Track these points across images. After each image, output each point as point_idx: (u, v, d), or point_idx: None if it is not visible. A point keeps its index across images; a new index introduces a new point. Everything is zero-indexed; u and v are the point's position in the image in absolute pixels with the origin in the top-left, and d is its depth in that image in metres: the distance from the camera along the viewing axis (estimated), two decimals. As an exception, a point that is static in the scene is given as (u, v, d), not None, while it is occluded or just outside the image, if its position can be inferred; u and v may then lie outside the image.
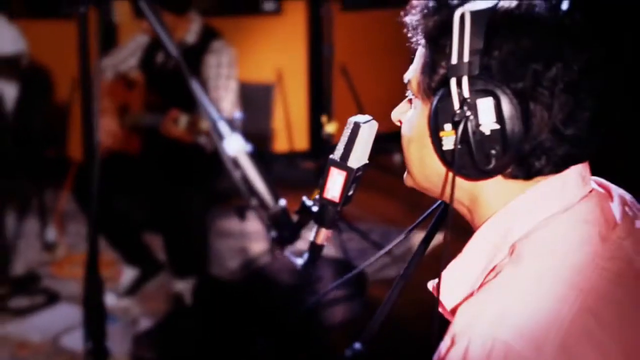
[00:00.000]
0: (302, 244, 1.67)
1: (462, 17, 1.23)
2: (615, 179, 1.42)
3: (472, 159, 1.24)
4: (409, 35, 1.39)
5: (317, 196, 1.55)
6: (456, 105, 1.24)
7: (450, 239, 1.39)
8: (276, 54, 6.98)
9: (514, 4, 1.27)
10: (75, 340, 3.85)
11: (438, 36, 1.30)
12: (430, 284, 1.38)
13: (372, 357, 1.85)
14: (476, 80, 1.23)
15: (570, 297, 1.15)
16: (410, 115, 1.38)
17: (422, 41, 1.35)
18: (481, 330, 1.14)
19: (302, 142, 7.04)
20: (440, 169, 1.32)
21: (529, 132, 1.22)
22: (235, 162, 1.74)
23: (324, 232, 1.59)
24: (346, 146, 1.50)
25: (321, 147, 6.05)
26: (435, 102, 1.28)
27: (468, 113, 1.23)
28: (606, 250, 1.24)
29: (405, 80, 1.40)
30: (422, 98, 1.34)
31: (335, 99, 6.96)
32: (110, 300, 4.50)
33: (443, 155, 1.29)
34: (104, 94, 4.70)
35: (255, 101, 5.03)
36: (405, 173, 1.44)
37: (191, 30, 4.60)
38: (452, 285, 1.32)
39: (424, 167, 1.36)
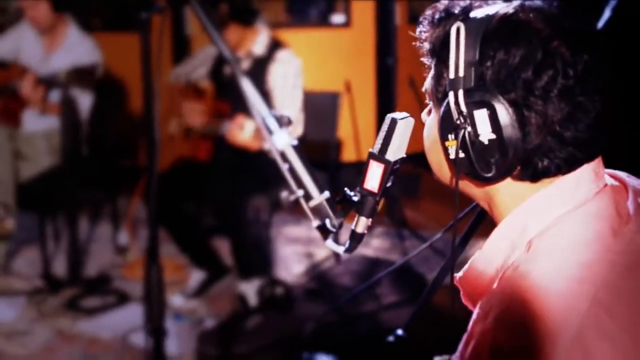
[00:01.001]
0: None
1: (458, 30, 1.31)
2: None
3: (472, 167, 1.32)
4: (419, 46, 1.46)
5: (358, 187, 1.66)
6: (455, 117, 1.31)
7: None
8: (345, 66, 7.06)
9: (510, 11, 1.32)
10: (143, 338, 3.99)
11: (440, 49, 1.38)
12: (457, 276, 1.45)
13: (412, 342, 1.96)
14: (473, 92, 1.29)
15: (583, 292, 1.20)
16: (428, 122, 1.47)
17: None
18: (504, 323, 1.22)
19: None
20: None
21: (526, 138, 1.28)
22: (283, 156, 1.86)
23: (364, 221, 1.67)
24: (384, 140, 1.59)
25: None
26: (440, 113, 1.36)
27: (466, 124, 1.30)
28: (618, 244, 1.28)
29: (423, 89, 1.48)
30: (435, 107, 1.42)
31: (402, 109, 7.02)
32: (178, 301, 4.65)
33: (449, 161, 1.38)
34: (178, 96, 4.84)
35: (322, 110, 5.12)
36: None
37: (258, 42, 4.68)
38: (473, 279, 1.40)
39: (442, 169, 1.44)
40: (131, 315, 4.41)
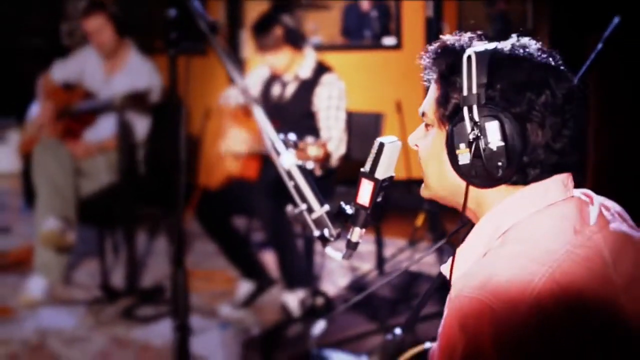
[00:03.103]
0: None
1: (469, 58, 1.59)
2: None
3: (484, 170, 1.58)
4: (424, 74, 1.75)
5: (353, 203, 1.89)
6: (469, 128, 1.58)
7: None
8: (396, 87, 7.21)
9: (508, 47, 1.63)
10: (193, 346, 4.19)
11: (449, 74, 1.65)
12: (442, 268, 1.73)
13: (408, 341, 2.17)
14: (483, 108, 1.56)
15: (541, 271, 1.46)
16: (429, 139, 1.73)
17: (434, 79, 1.71)
18: (470, 294, 1.47)
19: (418, 170, 7.21)
20: (457, 180, 1.66)
21: (527, 147, 1.56)
22: (289, 174, 2.10)
23: (358, 231, 1.91)
24: (373, 161, 1.85)
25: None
26: (451, 127, 1.62)
27: (479, 134, 1.56)
28: (577, 239, 1.54)
29: (420, 112, 1.75)
30: (438, 125, 1.69)
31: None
32: (227, 310, 4.87)
33: (459, 169, 1.63)
34: (227, 119, 5.06)
35: (366, 130, 5.29)
36: (423, 186, 1.81)
37: (305, 65, 4.90)
38: (457, 269, 1.65)
39: (443, 180, 1.71)
40: (182, 324, 4.62)
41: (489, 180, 1.60)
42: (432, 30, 7.07)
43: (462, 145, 1.60)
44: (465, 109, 1.58)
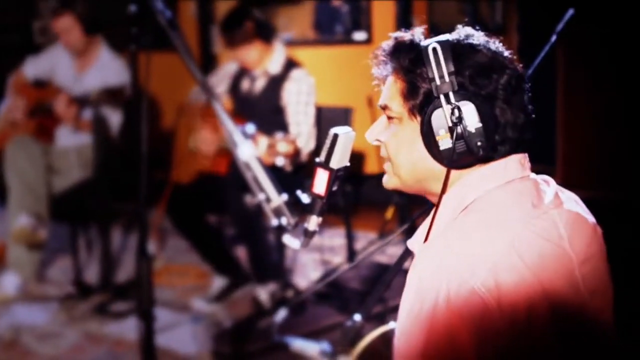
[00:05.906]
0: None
1: (435, 50, 1.66)
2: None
3: (466, 152, 1.65)
4: (376, 70, 1.83)
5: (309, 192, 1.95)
6: (448, 114, 1.65)
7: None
8: (367, 81, 7.26)
9: (461, 37, 1.73)
10: (165, 340, 4.24)
11: (414, 67, 1.71)
12: (408, 243, 1.81)
13: (367, 327, 2.23)
14: (457, 94, 1.64)
15: (502, 238, 1.55)
16: (396, 131, 1.77)
17: (392, 74, 1.78)
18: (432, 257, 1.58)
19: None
20: (431, 166, 1.72)
21: (498, 125, 1.65)
22: (247, 165, 2.15)
23: (315, 219, 1.97)
24: (328, 152, 1.90)
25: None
26: (427, 115, 1.68)
27: (458, 118, 1.63)
28: (535, 212, 1.63)
29: (381, 105, 1.80)
30: (409, 116, 1.73)
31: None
32: (200, 304, 4.92)
33: (439, 154, 1.68)
34: (196, 115, 5.09)
35: (335, 124, 5.31)
36: (387, 178, 1.83)
37: (274, 60, 4.93)
38: (422, 241, 1.73)
39: (415, 168, 1.75)
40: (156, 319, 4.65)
41: (468, 160, 1.68)
42: (402, 24, 7.14)
43: (442, 131, 1.66)
44: (442, 97, 1.65)
